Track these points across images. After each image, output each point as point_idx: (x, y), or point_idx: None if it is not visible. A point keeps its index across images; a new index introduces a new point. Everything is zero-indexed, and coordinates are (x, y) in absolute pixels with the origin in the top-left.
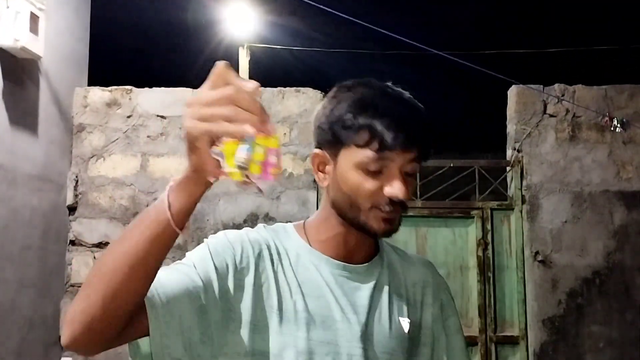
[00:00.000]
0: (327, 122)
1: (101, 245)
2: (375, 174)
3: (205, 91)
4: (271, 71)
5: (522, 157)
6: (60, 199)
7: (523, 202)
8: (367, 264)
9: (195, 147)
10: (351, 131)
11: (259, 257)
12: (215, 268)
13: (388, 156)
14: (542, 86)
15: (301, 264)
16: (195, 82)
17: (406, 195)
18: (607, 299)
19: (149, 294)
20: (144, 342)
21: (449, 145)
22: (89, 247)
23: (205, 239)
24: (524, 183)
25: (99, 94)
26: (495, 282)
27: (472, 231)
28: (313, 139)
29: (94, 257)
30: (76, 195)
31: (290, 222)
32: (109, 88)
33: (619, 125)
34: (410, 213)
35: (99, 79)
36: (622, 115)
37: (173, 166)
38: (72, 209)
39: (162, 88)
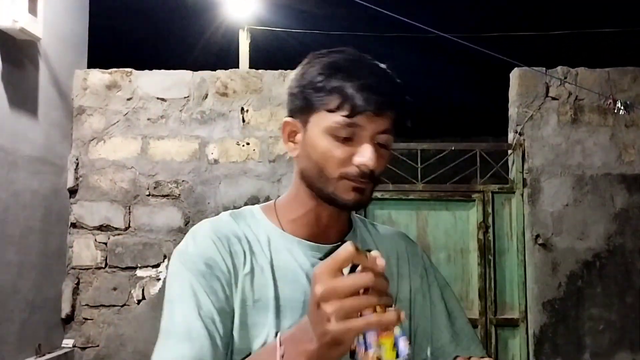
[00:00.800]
0: (297, 86)
1: (102, 227)
2: (345, 140)
3: (338, 280)
4: (272, 54)
5: (524, 140)
6: (61, 182)
7: (524, 185)
8: (340, 242)
9: (340, 344)
10: (321, 94)
11: (232, 255)
12: (218, 298)
13: (359, 122)
14: (544, 69)
15: (274, 249)
16: (195, 64)
17: (376, 165)
18: (607, 282)
19: None
20: None
21: (450, 129)
22: (90, 230)
23: (177, 261)
24: (526, 166)
25: (99, 77)
26: (496, 265)
27: (473, 214)
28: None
29: (95, 240)
30: (77, 178)
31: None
32: (109, 70)
33: (622, 107)
34: (411, 196)
35: (98, 61)
36: (624, 97)
37: (173, 149)
38: (72, 192)
39: (162, 70)
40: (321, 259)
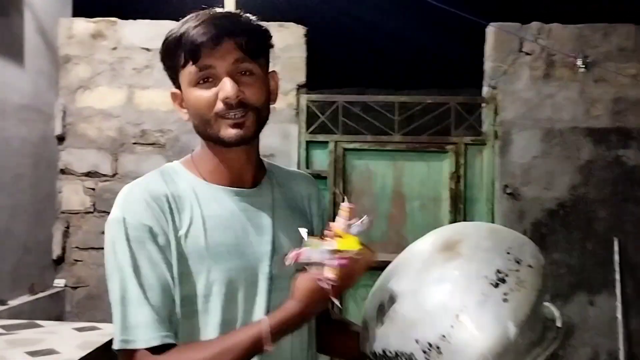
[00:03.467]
0: (161, 58)
1: (90, 174)
2: (207, 84)
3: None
4: (256, 5)
5: (497, 94)
6: (49, 129)
7: (496, 137)
8: (259, 185)
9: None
10: (173, 57)
11: (164, 214)
12: (160, 251)
13: (208, 63)
14: (519, 24)
15: (202, 199)
16: (178, 14)
17: (237, 92)
18: (569, 230)
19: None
20: None
21: (426, 82)
22: (78, 176)
23: (114, 231)
24: (498, 119)
25: (84, 26)
26: (466, 213)
27: (446, 165)
28: None
29: (84, 186)
30: (64, 126)
31: (273, 155)
32: (94, 19)
33: (583, 65)
34: (388, 147)
35: (83, 10)
36: (595, 53)
37: (159, 98)
38: (61, 139)
39: (147, 20)
40: (247, 202)
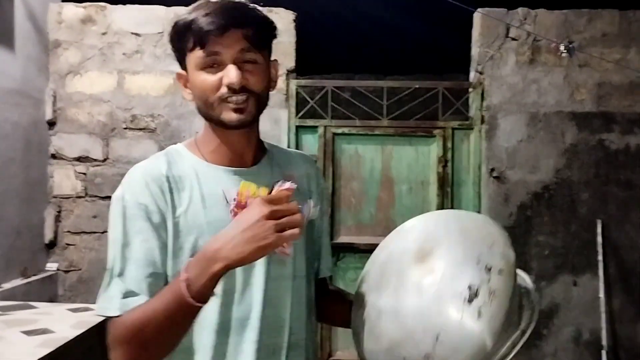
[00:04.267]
0: (170, 40)
1: (81, 159)
2: (213, 70)
3: (280, 205)
4: None
5: (484, 79)
6: (39, 114)
7: (482, 122)
8: (258, 163)
9: (267, 249)
10: (182, 39)
11: (164, 194)
12: (156, 234)
13: (215, 49)
14: (506, 10)
15: (202, 178)
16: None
17: (241, 79)
18: (553, 212)
19: None
20: None
21: (415, 68)
22: (69, 161)
23: (115, 208)
24: (484, 104)
25: (73, 10)
26: (453, 197)
27: (433, 149)
28: None
29: (75, 171)
30: (55, 111)
31: (264, 140)
32: (83, 4)
33: (565, 50)
34: (377, 132)
35: None
36: (580, 38)
37: (149, 84)
38: (51, 124)
39: (136, 5)
40: (246, 180)
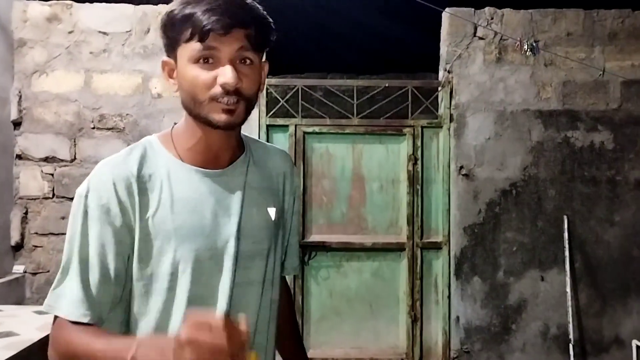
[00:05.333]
0: (162, 26)
1: (48, 159)
2: (207, 65)
3: (204, 334)
4: None
5: (452, 77)
6: (4, 114)
7: (451, 120)
8: (234, 163)
9: None
10: (178, 28)
11: (130, 195)
12: (115, 232)
13: (212, 45)
14: (473, 9)
15: (173, 180)
16: None
17: (236, 81)
18: (521, 209)
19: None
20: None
21: (384, 67)
22: (35, 161)
23: (77, 204)
24: (453, 102)
25: (39, 9)
26: (423, 194)
27: (403, 147)
28: None
29: (42, 171)
30: (20, 111)
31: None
32: (48, 2)
33: (529, 49)
34: (347, 130)
35: None
36: (545, 37)
37: (117, 83)
38: (17, 124)
39: (103, 4)
40: (219, 185)
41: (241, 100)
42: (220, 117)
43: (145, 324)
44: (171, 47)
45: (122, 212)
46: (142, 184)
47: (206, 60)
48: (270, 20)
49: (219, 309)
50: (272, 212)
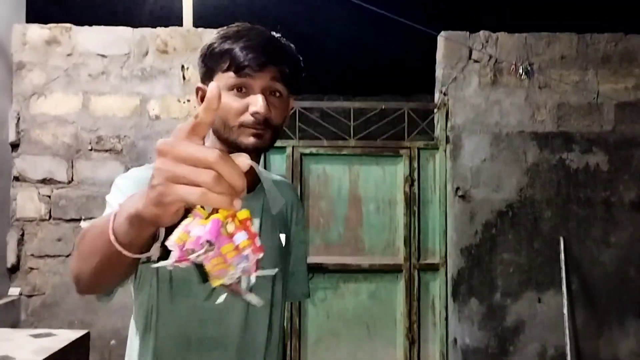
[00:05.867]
0: (201, 55)
1: (45, 181)
2: (240, 94)
3: (184, 143)
4: (216, 12)
5: (448, 100)
6: (2, 136)
7: (447, 142)
8: (253, 191)
9: (162, 205)
10: (216, 58)
11: None
12: None
13: (247, 77)
14: (468, 33)
15: None
16: (135, 21)
17: (267, 111)
18: (517, 230)
19: None
20: None
21: (382, 89)
22: (33, 183)
23: (116, 180)
24: (449, 124)
25: (38, 32)
26: (420, 215)
27: (400, 169)
28: None
29: (39, 193)
30: (18, 132)
31: None
32: (48, 25)
33: (523, 73)
34: (344, 152)
35: (37, 16)
36: (539, 61)
37: (115, 104)
38: (14, 146)
39: (102, 27)
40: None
41: (268, 130)
42: (249, 140)
43: (165, 331)
44: (208, 75)
45: None
46: None
47: (240, 89)
48: (301, 58)
49: (233, 326)
50: (282, 237)
